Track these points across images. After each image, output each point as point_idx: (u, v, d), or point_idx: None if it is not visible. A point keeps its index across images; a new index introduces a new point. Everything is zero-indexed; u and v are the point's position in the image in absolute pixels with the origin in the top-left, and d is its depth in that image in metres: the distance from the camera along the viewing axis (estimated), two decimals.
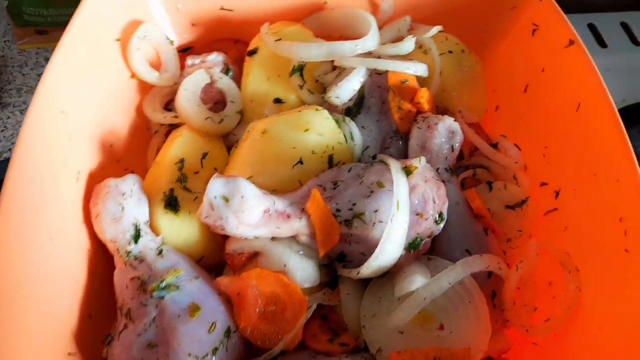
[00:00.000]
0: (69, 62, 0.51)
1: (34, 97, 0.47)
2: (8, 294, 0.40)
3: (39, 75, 0.86)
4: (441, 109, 0.63)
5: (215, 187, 0.48)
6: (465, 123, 0.59)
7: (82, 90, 0.54)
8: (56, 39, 0.84)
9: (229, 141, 0.62)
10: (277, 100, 0.62)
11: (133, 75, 0.61)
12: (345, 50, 0.59)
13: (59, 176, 0.50)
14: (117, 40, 0.59)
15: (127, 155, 0.59)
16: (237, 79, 0.65)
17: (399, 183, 0.48)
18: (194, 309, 0.43)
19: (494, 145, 0.59)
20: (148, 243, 0.49)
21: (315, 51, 0.58)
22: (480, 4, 0.66)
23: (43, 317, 0.44)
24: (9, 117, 0.83)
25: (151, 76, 0.61)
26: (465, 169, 0.59)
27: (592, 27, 0.94)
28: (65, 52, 0.51)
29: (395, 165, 0.50)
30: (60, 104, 0.50)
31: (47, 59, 0.88)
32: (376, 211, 0.48)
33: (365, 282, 0.51)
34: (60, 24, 0.83)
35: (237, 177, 0.48)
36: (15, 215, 0.43)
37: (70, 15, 0.80)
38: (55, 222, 0.48)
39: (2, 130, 0.82)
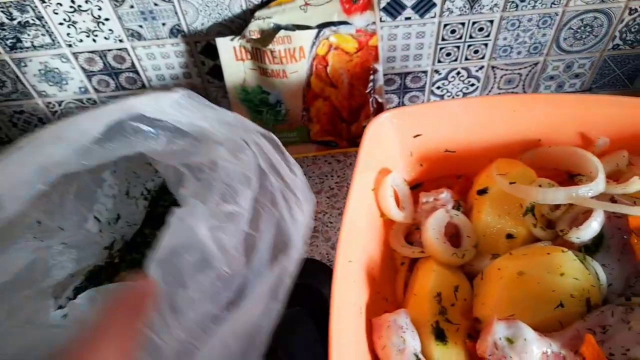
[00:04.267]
0: (351, 219, 0.63)
1: (337, 253, 0.59)
2: None
3: None
4: None
5: (500, 329, 0.55)
6: None
7: (357, 238, 0.65)
8: None
9: (465, 269, 0.70)
10: (509, 236, 0.69)
11: (382, 215, 0.73)
12: (580, 194, 0.65)
13: (349, 314, 0.60)
14: (373, 190, 0.71)
15: (383, 286, 0.69)
16: (465, 213, 0.74)
17: None
18: None
19: None
20: None
21: (551, 195, 0.66)
22: None
23: None
24: None
25: (399, 215, 0.72)
26: None
27: None
28: (350, 214, 0.63)
29: None
30: (348, 256, 0.61)
31: None
32: None
33: None
34: None
35: (518, 321, 0.55)
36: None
37: (289, 138, 0.98)
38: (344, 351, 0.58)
39: None
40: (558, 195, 0.66)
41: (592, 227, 0.63)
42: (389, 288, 0.71)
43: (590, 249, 0.65)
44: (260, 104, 0.92)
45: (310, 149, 0.99)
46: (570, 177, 0.75)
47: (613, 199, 0.67)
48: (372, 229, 0.71)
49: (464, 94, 1.06)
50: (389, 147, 0.74)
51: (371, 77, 0.92)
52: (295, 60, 0.85)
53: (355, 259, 0.63)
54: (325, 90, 0.91)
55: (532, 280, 0.60)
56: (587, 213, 0.66)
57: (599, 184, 0.66)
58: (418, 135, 0.75)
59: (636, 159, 0.72)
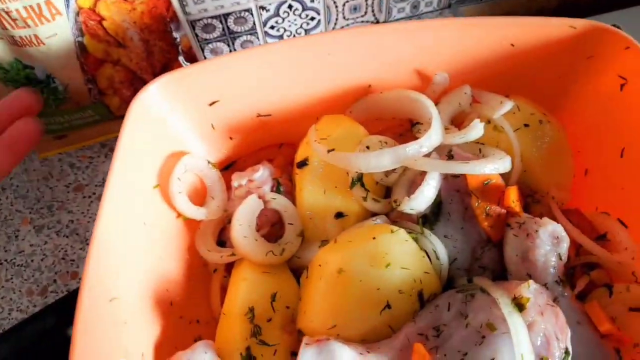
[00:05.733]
0: (111, 236, 0.46)
1: (80, 289, 0.42)
2: None
3: (66, 186, 0.82)
4: (526, 191, 0.55)
5: (308, 357, 0.42)
6: (563, 216, 0.51)
7: (133, 260, 0.49)
8: (75, 141, 0.81)
9: (292, 263, 0.56)
10: (339, 215, 0.55)
11: (179, 216, 0.56)
12: (409, 154, 0.51)
13: None
14: (155, 187, 0.54)
15: (189, 306, 0.54)
16: (289, 191, 0.59)
17: (517, 329, 0.40)
18: None
19: (603, 237, 0.51)
20: None
21: (375, 162, 0.51)
22: (548, 56, 0.57)
23: None
24: (46, 243, 0.77)
25: (199, 213, 0.56)
26: (573, 270, 0.51)
27: None
28: (106, 227, 0.45)
29: (504, 300, 0.42)
30: (109, 291, 0.45)
31: (71, 165, 0.83)
32: None
33: None
34: (77, 127, 0.79)
35: (330, 342, 0.42)
36: None
37: (86, 118, 0.77)
38: None
39: (42, 259, 0.76)
40: (383, 160, 0.51)
41: (425, 195, 0.50)
42: (203, 305, 0.56)
43: (429, 219, 0.52)
44: (29, 83, 0.69)
45: (119, 126, 0.78)
46: (412, 126, 0.62)
47: (451, 153, 0.54)
48: (164, 237, 0.54)
49: (306, 31, 0.88)
50: (172, 124, 0.56)
51: (170, 26, 0.71)
52: (47, 20, 0.62)
53: (129, 291, 0.47)
54: (112, 53, 0.70)
55: (354, 279, 0.46)
56: (425, 174, 0.53)
57: (432, 137, 0.52)
58: (215, 102, 0.57)
59: (480, 93, 0.59)
